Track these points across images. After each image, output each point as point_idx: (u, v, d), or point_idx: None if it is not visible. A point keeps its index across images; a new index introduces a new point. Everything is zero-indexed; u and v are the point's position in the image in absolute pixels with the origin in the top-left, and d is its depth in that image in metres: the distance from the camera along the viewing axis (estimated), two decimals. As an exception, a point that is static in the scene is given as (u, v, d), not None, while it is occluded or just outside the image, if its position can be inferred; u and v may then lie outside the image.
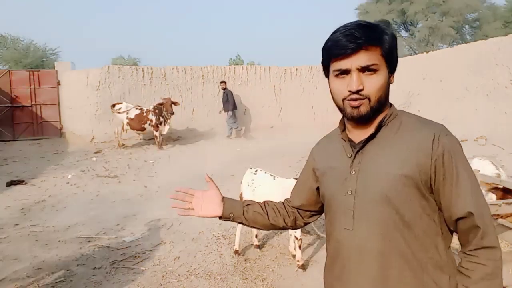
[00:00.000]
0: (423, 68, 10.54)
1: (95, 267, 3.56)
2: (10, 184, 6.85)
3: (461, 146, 1.02)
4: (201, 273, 3.43)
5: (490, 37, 9.47)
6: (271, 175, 3.67)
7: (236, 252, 3.77)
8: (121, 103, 10.78)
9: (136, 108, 10.40)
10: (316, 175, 1.21)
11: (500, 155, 6.85)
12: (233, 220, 1.28)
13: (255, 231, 3.90)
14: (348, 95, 1.00)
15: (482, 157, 4.39)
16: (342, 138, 1.12)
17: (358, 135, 1.07)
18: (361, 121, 1.04)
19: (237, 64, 17.70)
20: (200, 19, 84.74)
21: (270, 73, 13.15)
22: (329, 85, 1.07)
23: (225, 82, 11.90)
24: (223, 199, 1.29)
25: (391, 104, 1.10)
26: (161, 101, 10.31)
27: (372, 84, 0.99)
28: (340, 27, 1.02)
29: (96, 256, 3.81)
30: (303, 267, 3.46)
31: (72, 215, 5.16)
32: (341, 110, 1.05)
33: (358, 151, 1.05)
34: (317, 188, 1.21)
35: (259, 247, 3.88)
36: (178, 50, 61.51)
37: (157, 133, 10.32)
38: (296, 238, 3.48)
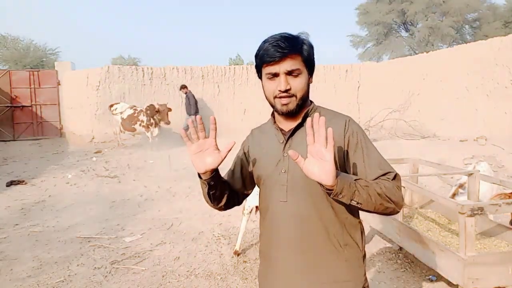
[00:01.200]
0: (423, 68, 10.54)
1: (95, 267, 3.56)
2: (10, 184, 6.85)
3: (362, 129, 1.30)
4: (201, 273, 3.43)
5: (490, 37, 9.46)
6: None
7: (235, 252, 3.77)
8: (118, 103, 10.79)
9: (130, 108, 10.42)
10: (247, 161, 1.43)
11: (500, 155, 6.85)
12: (210, 180, 1.28)
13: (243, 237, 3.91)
14: (279, 94, 1.24)
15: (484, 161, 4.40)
16: (275, 128, 1.36)
17: (287, 125, 1.33)
18: (290, 114, 1.28)
19: (237, 64, 17.70)
20: (200, 19, 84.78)
21: (270, 73, 13.15)
22: (263, 86, 1.31)
23: (186, 86, 11.44)
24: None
25: (311, 101, 1.36)
26: (156, 107, 10.28)
27: (297, 85, 1.24)
28: (268, 38, 1.25)
29: (96, 256, 3.81)
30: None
31: (72, 215, 5.16)
32: (273, 106, 1.30)
33: (289, 138, 1.30)
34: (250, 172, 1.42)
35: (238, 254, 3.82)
36: (178, 50, 61.52)
37: (148, 134, 10.33)
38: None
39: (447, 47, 12.22)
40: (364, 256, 1.30)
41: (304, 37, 1.27)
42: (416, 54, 14.50)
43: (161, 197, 6.05)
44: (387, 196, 1.14)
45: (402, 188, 3.08)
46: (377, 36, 20.67)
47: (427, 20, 18.32)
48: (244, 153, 1.45)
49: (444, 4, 18.10)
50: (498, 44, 8.17)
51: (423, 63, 10.62)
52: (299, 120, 1.30)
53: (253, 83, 12.98)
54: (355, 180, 1.12)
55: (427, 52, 11.36)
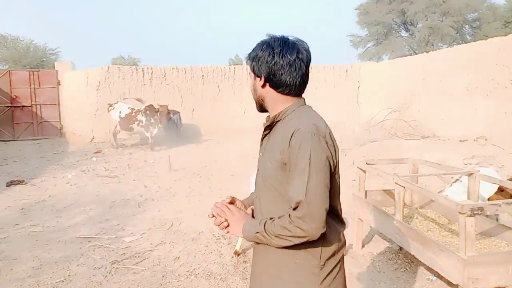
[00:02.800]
0: (423, 68, 10.53)
1: (95, 267, 3.56)
2: (10, 184, 6.85)
3: (312, 143, 1.19)
4: (201, 273, 3.43)
5: (490, 37, 9.46)
6: None
7: (236, 253, 3.76)
8: (117, 102, 10.76)
9: (128, 108, 10.39)
10: None
11: (500, 155, 6.85)
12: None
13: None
14: None
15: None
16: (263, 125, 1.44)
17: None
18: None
19: (237, 64, 17.70)
20: (200, 19, 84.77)
21: (270, 73, 13.14)
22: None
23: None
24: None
25: (297, 103, 1.37)
26: (156, 107, 10.25)
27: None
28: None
29: (96, 256, 3.81)
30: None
31: (72, 215, 5.16)
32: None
33: (262, 138, 1.41)
34: None
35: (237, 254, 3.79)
36: (178, 50, 61.51)
37: (148, 134, 10.30)
38: None
39: (447, 47, 12.22)
40: (323, 266, 1.28)
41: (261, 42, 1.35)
42: (416, 54, 14.50)
43: (161, 197, 6.05)
44: (287, 236, 1.18)
45: (402, 188, 3.09)
46: (377, 36, 20.67)
47: (427, 20, 18.32)
48: None
49: (444, 4, 18.09)
50: (498, 44, 8.16)
51: (423, 63, 10.61)
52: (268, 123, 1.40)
53: (253, 83, 12.97)
54: (256, 232, 1.25)
55: (427, 52, 11.36)
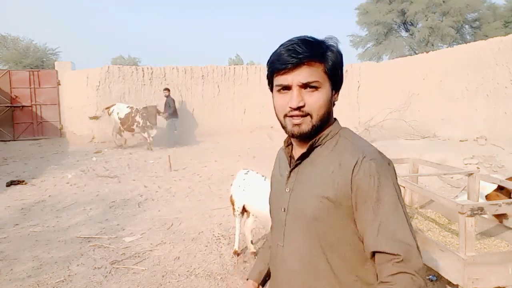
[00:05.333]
0: (423, 68, 10.53)
1: (95, 267, 3.56)
2: (10, 184, 6.85)
3: (391, 172, 0.96)
4: (201, 273, 3.43)
5: (490, 37, 9.46)
6: (262, 176, 3.63)
7: (235, 252, 3.76)
8: (114, 104, 10.82)
9: (127, 107, 10.47)
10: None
11: (500, 155, 6.85)
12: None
13: (250, 237, 3.87)
14: (289, 112, 0.99)
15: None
16: (286, 152, 1.12)
17: (299, 153, 1.06)
18: (302, 138, 1.03)
19: (237, 64, 17.70)
20: (200, 19, 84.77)
21: (270, 73, 13.16)
22: (273, 101, 1.05)
23: (169, 90, 11.28)
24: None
25: (335, 119, 1.08)
26: (141, 109, 10.30)
27: (314, 101, 0.98)
28: (285, 42, 1.00)
29: (96, 256, 3.81)
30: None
31: (72, 215, 5.16)
32: (283, 126, 1.04)
33: (292, 169, 1.07)
34: None
35: (255, 254, 3.76)
36: (178, 50, 61.51)
37: (145, 135, 10.37)
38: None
39: (447, 47, 12.22)
40: None
41: (332, 43, 1.02)
42: (416, 54, 14.49)
43: (161, 197, 6.05)
44: None
45: (402, 188, 3.09)
46: (377, 36, 20.65)
47: (427, 20, 18.32)
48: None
49: (444, 4, 18.09)
50: (498, 44, 8.16)
51: (423, 63, 10.61)
52: (305, 149, 1.04)
53: (253, 83, 12.99)
54: None
55: (427, 52, 11.36)
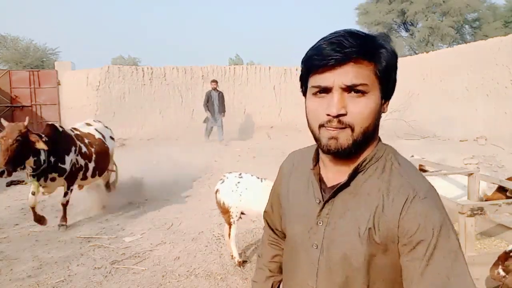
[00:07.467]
0: (423, 68, 10.54)
1: (95, 267, 3.56)
2: (10, 184, 6.85)
3: (444, 215, 0.79)
4: (201, 273, 3.43)
5: (490, 37, 9.47)
6: (258, 178, 3.52)
7: (239, 263, 3.50)
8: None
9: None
10: (279, 201, 1.03)
11: (500, 155, 6.86)
12: None
13: (236, 249, 3.55)
14: (326, 121, 0.78)
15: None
16: (314, 173, 0.90)
17: (333, 174, 0.87)
18: (340, 155, 0.82)
19: (237, 64, 17.71)
20: (200, 19, 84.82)
21: (270, 73, 13.16)
22: (305, 106, 0.84)
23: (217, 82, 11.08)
24: None
25: (379, 140, 0.88)
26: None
27: (358, 110, 0.77)
28: (327, 35, 0.80)
29: (96, 256, 3.81)
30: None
31: (72, 215, 5.16)
32: (316, 139, 0.83)
33: (327, 201, 0.86)
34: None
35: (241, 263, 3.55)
36: (178, 50, 61.55)
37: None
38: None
39: (447, 47, 12.22)
40: None
41: (384, 41, 0.82)
42: (416, 54, 14.50)
43: (161, 197, 6.05)
44: None
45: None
46: (377, 36, 20.69)
47: (427, 20, 18.33)
48: (276, 187, 1.07)
49: (444, 4, 18.10)
50: (498, 44, 8.17)
51: (423, 63, 10.62)
52: (346, 177, 0.84)
53: (253, 83, 12.99)
54: None
55: (427, 52, 11.37)
